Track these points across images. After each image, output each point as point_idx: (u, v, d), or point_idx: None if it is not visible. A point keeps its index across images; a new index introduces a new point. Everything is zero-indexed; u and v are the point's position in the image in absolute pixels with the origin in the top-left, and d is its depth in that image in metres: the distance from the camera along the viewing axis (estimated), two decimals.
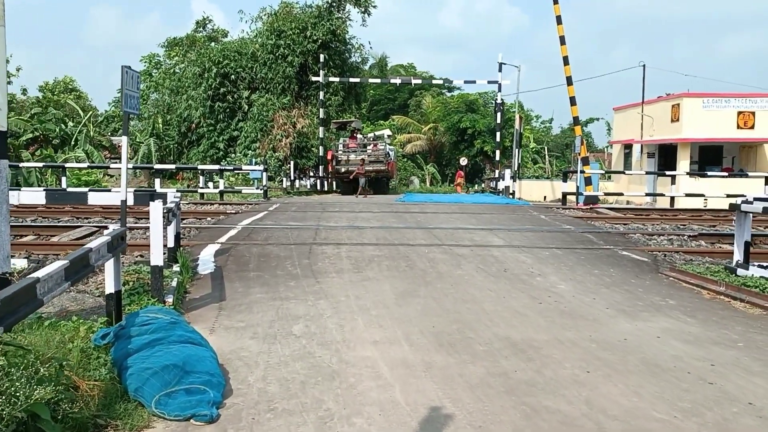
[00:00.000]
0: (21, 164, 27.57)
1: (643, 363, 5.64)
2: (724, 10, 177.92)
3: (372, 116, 58.20)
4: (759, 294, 8.09)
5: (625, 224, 16.13)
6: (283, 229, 13.73)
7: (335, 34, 36.20)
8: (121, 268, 7.76)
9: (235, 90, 36.66)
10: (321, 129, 33.00)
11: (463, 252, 11.23)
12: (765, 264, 9.38)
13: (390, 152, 31.48)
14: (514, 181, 30.02)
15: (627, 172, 29.48)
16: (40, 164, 28.40)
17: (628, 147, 33.74)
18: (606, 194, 26.39)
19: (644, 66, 33.21)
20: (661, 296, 8.44)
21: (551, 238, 13.19)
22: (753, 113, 28.50)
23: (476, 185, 44.17)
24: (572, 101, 26.74)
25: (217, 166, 28.25)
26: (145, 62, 52.76)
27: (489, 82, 33.71)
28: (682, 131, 28.67)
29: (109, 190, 23.09)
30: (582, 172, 24.33)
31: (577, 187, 23.70)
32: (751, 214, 9.36)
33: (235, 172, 29.87)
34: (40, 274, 3.90)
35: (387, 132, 41.02)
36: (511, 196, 28.42)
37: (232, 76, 36.48)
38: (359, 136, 32.61)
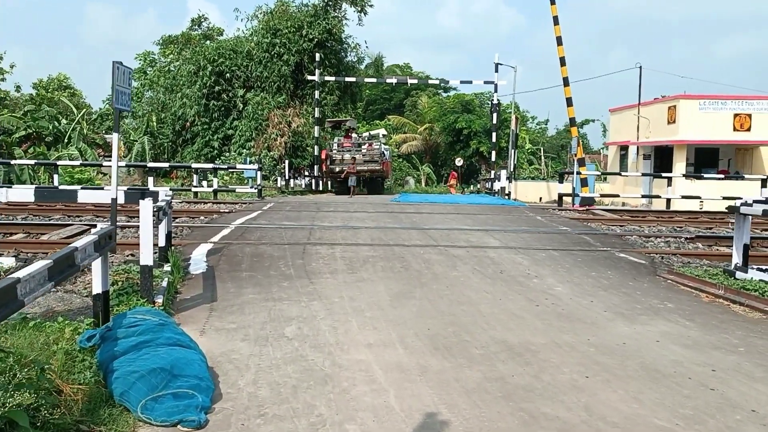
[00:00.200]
0: (13, 161, 27.36)
1: (643, 368, 5.52)
2: (720, 11, 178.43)
3: (368, 116, 58.05)
4: (758, 298, 7.99)
5: (621, 226, 16.02)
6: (277, 228, 13.58)
7: (331, 33, 36.07)
8: (110, 268, 7.62)
9: (230, 88, 36.49)
10: (316, 128, 32.85)
11: (458, 253, 11.10)
12: (764, 267, 9.28)
13: (385, 152, 31.29)
14: (510, 182, 29.94)
15: (623, 173, 29.39)
16: (32, 162, 28.18)
17: (624, 148, 33.68)
18: (602, 196, 26.31)
19: (641, 67, 33.17)
20: (659, 299, 8.32)
21: (547, 240, 13.07)
22: (749, 115, 28.47)
23: (472, 186, 44.11)
24: (569, 102, 26.68)
25: (211, 165, 28.08)
26: (140, 60, 52.51)
27: (485, 83, 33.68)
28: (678, 133, 28.62)
29: (102, 188, 22.94)
30: (578, 173, 24.23)
31: (573, 189, 23.61)
32: (750, 217, 9.26)
33: (230, 170, 29.72)
34: (21, 274, 3.75)
35: (382, 131, 40.90)
36: (506, 197, 28.32)
37: (227, 75, 36.31)
38: (354, 135, 32.42)
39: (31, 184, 28.09)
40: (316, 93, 33.12)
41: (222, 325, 6.59)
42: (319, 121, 33.10)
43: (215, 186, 24.28)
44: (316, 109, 33.13)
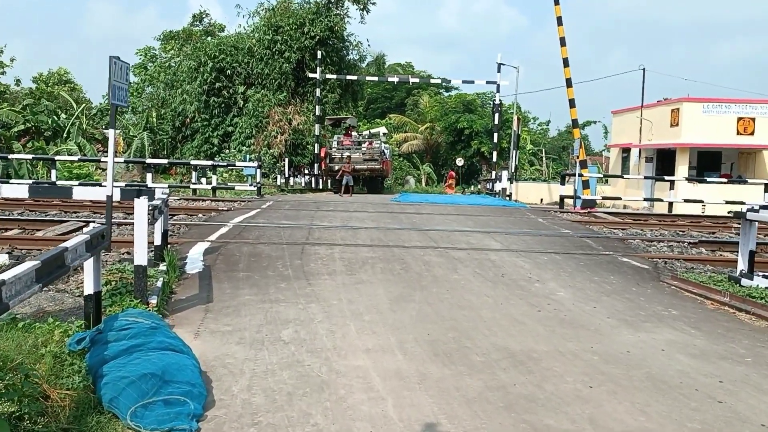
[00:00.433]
0: (11, 156, 27.17)
1: (649, 378, 5.37)
2: (720, 14, 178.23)
3: (369, 115, 57.88)
4: (765, 306, 7.84)
5: (623, 229, 15.87)
6: (276, 227, 13.42)
7: (333, 30, 35.85)
8: (104, 267, 7.47)
9: (230, 85, 36.28)
10: (317, 126, 32.66)
11: (459, 255, 10.95)
12: None
13: (385, 150, 31.00)
14: (511, 183, 29.79)
15: (625, 176, 29.24)
16: (30, 156, 27.98)
17: (626, 151, 33.55)
18: (603, 198, 26.17)
19: (644, 69, 33.04)
20: (663, 306, 8.17)
21: (549, 243, 12.92)
22: (753, 119, 28.34)
23: (472, 186, 43.96)
24: (571, 103, 26.51)
25: (210, 162, 27.88)
26: (141, 55, 52.26)
27: (487, 83, 33.44)
28: (681, 136, 28.48)
29: (100, 184, 22.76)
30: (580, 175, 24.08)
31: (575, 191, 23.46)
32: (756, 223, 9.11)
33: (229, 168, 29.53)
34: (6, 276, 3.59)
35: (383, 130, 40.68)
36: (507, 198, 28.17)
37: (228, 71, 36.10)
38: (354, 133, 32.19)
39: (30, 178, 27.93)
40: (317, 91, 32.93)
41: (217, 328, 6.44)
42: (319, 119, 32.91)
43: (214, 183, 24.12)
44: (317, 107, 32.94)
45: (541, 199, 31.20)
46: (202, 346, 5.76)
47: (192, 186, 24.21)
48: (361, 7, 37.45)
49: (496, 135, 32.40)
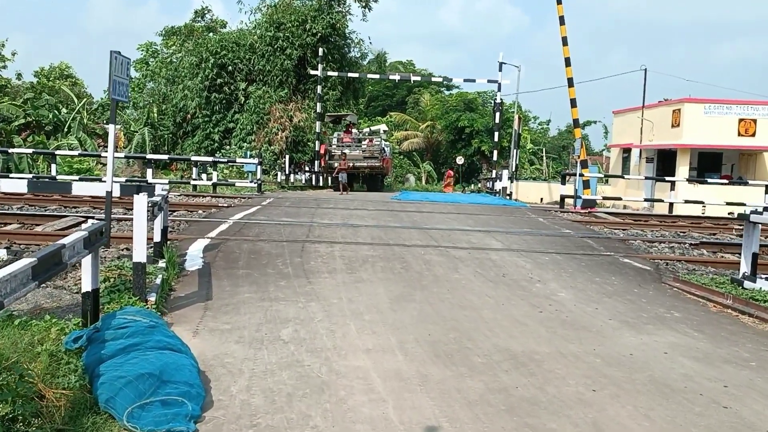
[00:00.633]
0: (11, 150, 27.11)
1: (652, 382, 5.31)
2: (721, 14, 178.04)
3: (369, 112, 57.77)
4: None
5: (624, 230, 15.82)
6: (276, 225, 13.36)
7: (335, 28, 35.78)
8: (102, 264, 7.41)
9: (232, 81, 36.22)
10: (318, 123, 32.59)
11: (460, 254, 10.89)
12: None
13: (386, 148, 30.83)
14: (512, 182, 29.71)
15: (626, 176, 29.17)
16: (30, 150, 27.91)
17: (626, 151, 33.48)
18: (604, 198, 26.10)
19: (645, 70, 32.96)
20: (665, 308, 8.12)
21: (550, 243, 12.86)
22: (754, 121, 28.26)
23: (472, 185, 43.89)
24: (573, 103, 26.41)
25: (210, 158, 27.82)
26: (142, 51, 52.19)
27: (489, 81, 33.30)
28: (682, 137, 28.41)
29: (100, 179, 22.70)
30: (581, 175, 24.01)
31: (576, 190, 23.40)
32: (759, 226, 9.05)
33: (229, 164, 29.46)
34: (1, 273, 3.53)
35: (383, 127, 40.44)
36: (508, 197, 28.11)
37: (230, 67, 36.04)
38: (354, 130, 32.07)
39: (30, 173, 27.86)
40: (319, 88, 32.85)
41: (216, 326, 6.38)
42: (320, 116, 32.83)
43: (214, 179, 24.04)
44: (318, 104, 32.86)
45: (541, 199, 31.14)
46: (200, 344, 5.70)
47: (192, 182, 24.15)
48: (363, 4, 37.41)
49: (496, 134, 32.33)
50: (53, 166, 23.53)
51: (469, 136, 48.17)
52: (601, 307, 7.96)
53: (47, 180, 20.99)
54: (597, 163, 43.59)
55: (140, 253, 6.64)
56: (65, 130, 37.10)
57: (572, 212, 20.41)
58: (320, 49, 33.41)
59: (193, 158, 27.02)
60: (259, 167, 24.52)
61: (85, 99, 42.99)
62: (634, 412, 4.66)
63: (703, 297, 8.72)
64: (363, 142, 30.01)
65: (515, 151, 33.67)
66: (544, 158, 54.13)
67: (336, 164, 27.97)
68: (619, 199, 26.55)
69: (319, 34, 34.86)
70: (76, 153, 28.94)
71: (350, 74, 35.64)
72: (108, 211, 7.40)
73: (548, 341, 6.35)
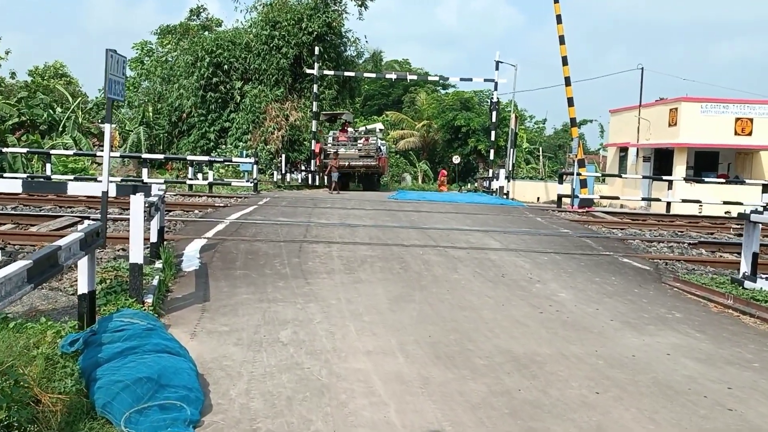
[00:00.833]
0: (6, 149, 26.93)
1: (655, 384, 5.26)
2: (719, 14, 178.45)
3: (365, 111, 57.70)
4: None
5: (622, 229, 15.79)
6: (273, 224, 13.28)
7: (331, 26, 35.69)
8: (98, 265, 7.32)
9: (227, 80, 36.10)
10: (314, 122, 32.50)
11: (459, 254, 10.83)
12: None
13: (382, 147, 30.65)
14: (509, 181, 29.67)
15: (623, 175, 29.16)
16: (24, 150, 27.73)
17: (623, 150, 33.45)
18: (601, 197, 26.07)
19: (642, 69, 32.93)
20: (666, 308, 8.07)
21: (549, 242, 12.81)
22: (751, 120, 28.26)
23: (469, 184, 43.84)
24: (570, 102, 26.39)
25: (206, 158, 27.69)
26: (137, 49, 51.95)
27: (485, 80, 33.27)
28: (679, 136, 28.39)
29: (95, 179, 22.57)
30: (578, 174, 23.99)
31: (573, 190, 23.37)
32: (760, 225, 9.01)
33: (225, 163, 29.34)
34: None
35: (379, 126, 40.30)
36: (505, 197, 28.06)
37: (225, 66, 35.91)
38: (350, 129, 31.92)
39: (24, 172, 27.69)
40: (315, 87, 32.75)
41: (214, 328, 6.30)
42: (317, 115, 32.73)
43: (210, 179, 23.93)
44: (314, 103, 32.77)
45: (538, 198, 31.09)
46: (198, 347, 5.62)
47: (188, 181, 24.05)
48: (359, 3, 37.33)
49: (493, 133, 32.28)
50: (48, 165, 23.38)
51: (466, 135, 48.13)
52: (602, 307, 7.91)
53: (42, 180, 20.86)
54: (593, 162, 43.60)
55: (137, 254, 6.56)
56: (60, 129, 36.90)
57: (570, 211, 20.38)
58: (316, 48, 33.30)
59: (189, 158, 26.92)
60: (255, 166, 24.42)
61: (80, 98, 42.78)
62: (638, 415, 4.60)
63: (703, 297, 8.67)
64: (359, 141, 29.84)
65: (512, 150, 33.63)
66: (541, 157, 54.11)
67: (330, 163, 27.82)
68: (617, 198, 26.52)
69: (315, 33, 34.76)
70: (71, 152, 28.78)
71: (346, 73, 35.57)
72: (104, 212, 7.32)
73: (550, 342, 6.29)
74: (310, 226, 13.32)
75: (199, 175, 25.54)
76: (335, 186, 26.84)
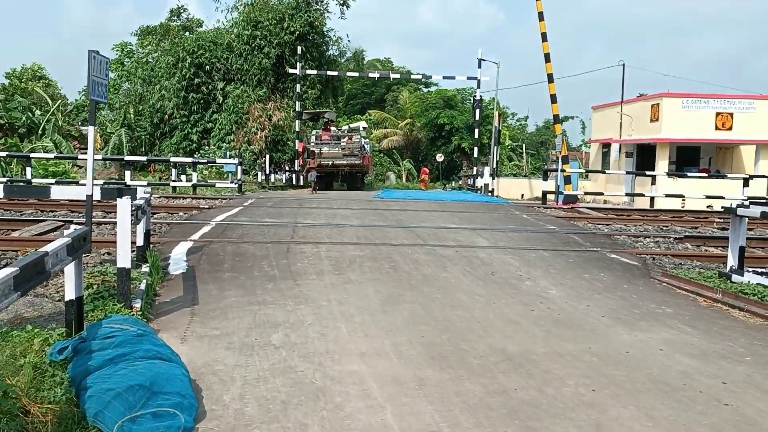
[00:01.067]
0: None
1: (651, 380, 5.25)
2: (694, 10, 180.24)
3: (348, 110, 57.57)
4: (758, 302, 7.78)
5: (607, 225, 15.85)
6: (259, 226, 13.17)
7: (313, 26, 35.56)
8: (85, 270, 7.18)
9: (209, 81, 35.85)
10: (297, 122, 32.35)
11: (447, 253, 10.79)
12: (759, 269, 9.10)
13: (365, 145, 30.45)
14: (493, 178, 29.73)
15: (607, 171, 29.34)
16: (4, 153, 27.32)
17: (606, 146, 33.66)
18: (585, 193, 26.21)
19: (624, 65, 33.15)
20: (656, 303, 8.08)
21: (536, 239, 12.82)
22: (731, 114, 28.55)
23: (453, 182, 43.90)
24: (553, 99, 26.50)
25: (190, 159, 27.46)
26: (117, 51, 51.48)
27: (468, 78, 33.28)
28: (661, 131, 28.62)
29: (77, 182, 22.29)
30: (562, 170, 24.08)
31: (557, 186, 23.45)
32: (746, 219, 9.06)
33: (209, 165, 29.13)
34: None
35: (362, 124, 40.13)
36: (489, 194, 28.12)
37: (207, 67, 35.67)
38: (333, 128, 31.74)
39: (3, 176, 27.29)
40: (297, 86, 32.61)
41: (204, 332, 6.21)
42: (300, 115, 32.58)
43: (194, 180, 23.73)
44: (297, 102, 32.62)
45: (522, 195, 31.20)
46: (189, 351, 5.53)
47: (172, 183, 23.82)
48: (341, 2, 37.23)
49: (476, 130, 32.33)
50: (28, 169, 23.05)
51: (449, 133, 48.19)
52: (593, 304, 7.91)
53: (23, 184, 20.56)
54: (576, 158, 43.83)
55: (124, 258, 6.45)
56: (39, 132, 36.43)
57: (555, 208, 20.44)
58: (298, 48, 33.15)
59: (172, 159, 26.66)
60: (239, 167, 24.25)
61: (59, 100, 42.26)
62: (636, 413, 4.58)
63: (692, 291, 8.71)
64: (342, 140, 29.61)
65: (496, 147, 33.70)
66: (524, 154, 54.32)
67: (313, 162, 27.63)
68: (601, 194, 26.67)
69: (297, 33, 34.62)
70: (52, 156, 28.41)
71: (329, 72, 35.48)
72: (89, 216, 7.20)
73: (543, 340, 6.26)
74: (297, 226, 13.23)
75: (183, 177, 25.32)
76: (315, 186, 26.65)
